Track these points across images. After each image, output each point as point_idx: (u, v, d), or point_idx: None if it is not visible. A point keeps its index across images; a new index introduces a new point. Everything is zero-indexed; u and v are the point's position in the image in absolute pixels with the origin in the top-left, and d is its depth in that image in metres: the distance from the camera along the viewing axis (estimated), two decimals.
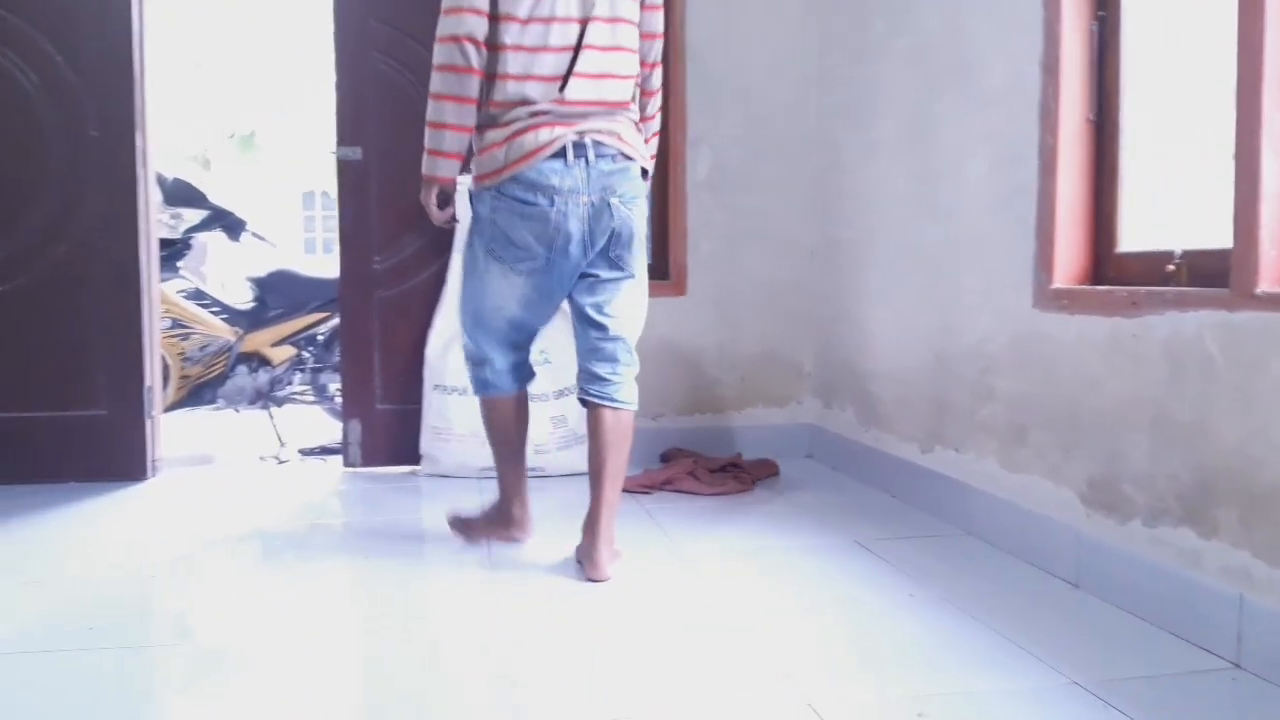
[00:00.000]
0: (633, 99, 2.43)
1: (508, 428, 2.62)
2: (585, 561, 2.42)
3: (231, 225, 5.07)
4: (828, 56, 3.74)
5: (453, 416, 3.45)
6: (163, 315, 3.92)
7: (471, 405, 2.92)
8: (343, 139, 3.59)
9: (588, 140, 2.31)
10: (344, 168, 3.59)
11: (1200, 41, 2.25)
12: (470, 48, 2.26)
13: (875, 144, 3.33)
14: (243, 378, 4.76)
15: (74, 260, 3.41)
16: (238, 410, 4.79)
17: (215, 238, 5.31)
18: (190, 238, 5.01)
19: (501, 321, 2.48)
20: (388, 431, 3.66)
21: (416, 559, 2.66)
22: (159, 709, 1.84)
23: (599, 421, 2.41)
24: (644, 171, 2.44)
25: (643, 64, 2.49)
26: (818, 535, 2.78)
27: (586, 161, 2.31)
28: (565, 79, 2.30)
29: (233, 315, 4.91)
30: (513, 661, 1.93)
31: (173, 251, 4.77)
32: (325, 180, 17.87)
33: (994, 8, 2.62)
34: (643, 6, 2.44)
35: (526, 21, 2.28)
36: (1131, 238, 2.35)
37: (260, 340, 4.82)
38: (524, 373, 2.62)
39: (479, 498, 3.10)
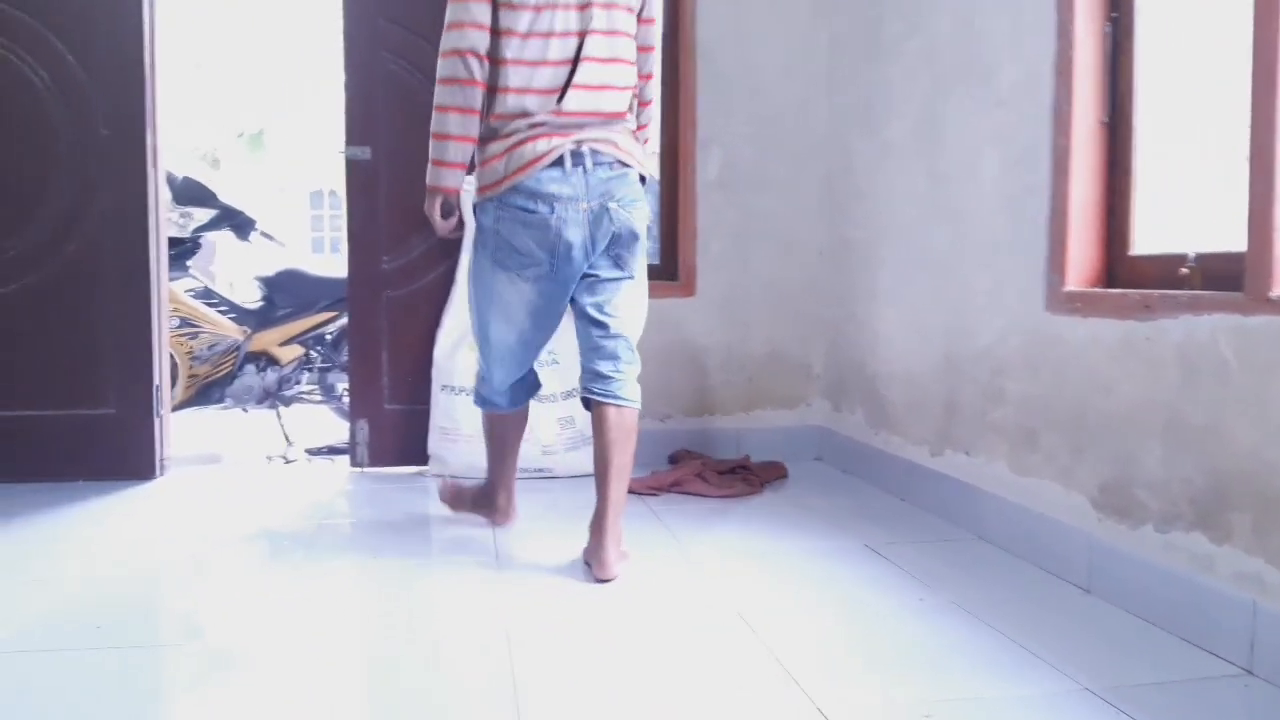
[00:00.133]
0: (630, 110, 2.49)
1: (504, 437, 2.76)
2: (593, 561, 2.43)
3: (240, 224, 5.07)
4: (838, 56, 3.72)
5: (460, 417, 3.45)
6: (171, 314, 3.92)
7: None
8: (351, 139, 3.59)
9: (585, 149, 2.37)
10: (353, 168, 3.59)
11: (1214, 43, 2.23)
12: (473, 61, 2.33)
13: (886, 144, 3.32)
14: (250, 377, 4.76)
15: (84, 259, 3.41)
16: (245, 409, 4.79)
17: (224, 237, 5.31)
18: (199, 237, 5.01)
19: (511, 335, 2.52)
20: (395, 432, 3.66)
21: (424, 559, 2.65)
22: (166, 709, 1.84)
23: (603, 420, 2.44)
24: (642, 178, 2.49)
25: (639, 75, 2.54)
26: (827, 538, 2.77)
27: (584, 169, 2.37)
28: (563, 91, 2.36)
29: (241, 314, 4.91)
30: (518, 662, 1.92)
31: (182, 250, 4.77)
32: (333, 179, 17.91)
33: (1007, 9, 2.61)
34: (639, 20, 2.50)
35: (526, 36, 2.35)
36: (1145, 240, 2.33)
37: (268, 339, 4.82)
38: (524, 389, 2.69)
39: None
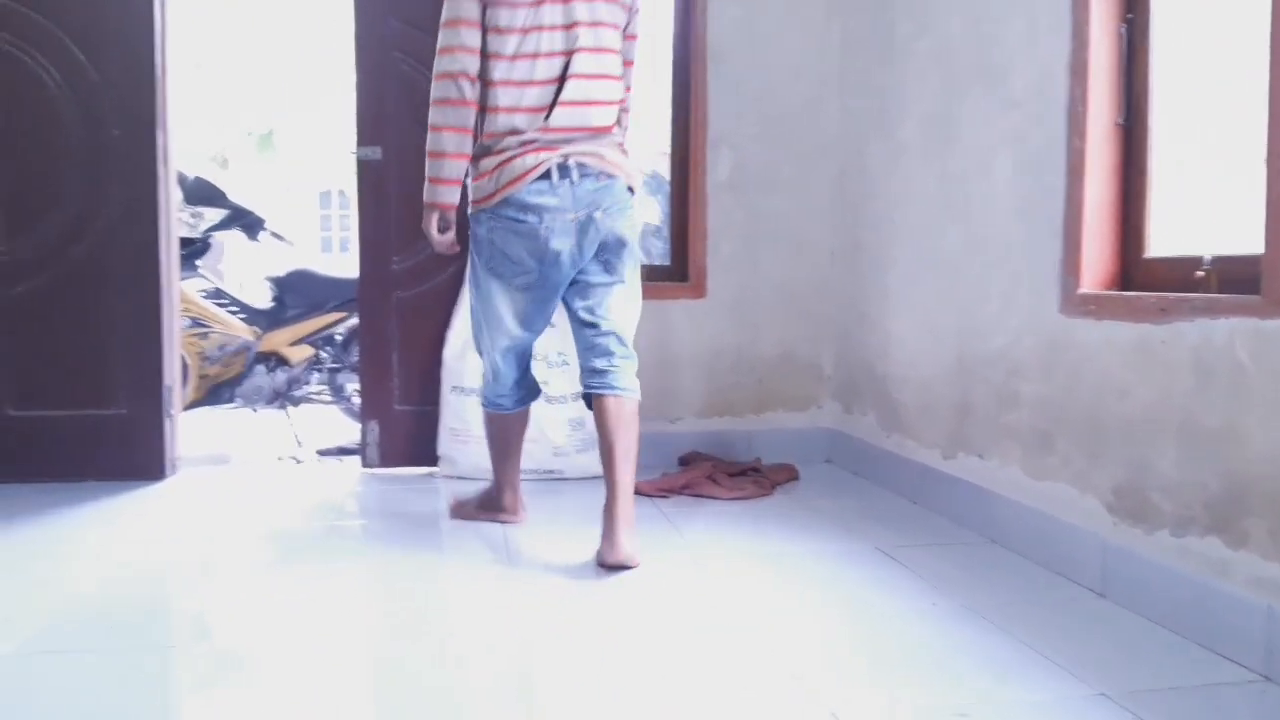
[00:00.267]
0: (618, 123, 2.61)
1: (506, 438, 2.83)
2: (606, 546, 2.46)
3: (250, 224, 5.08)
4: (850, 57, 3.71)
5: (471, 418, 3.44)
6: (182, 314, 3.92)
7: None
8: (362, 139, 3.59)
9: (571, 162, 2.48)
10: (363, 168, 3.59)
11: (1230, 43, 2.22)
12: (465, 83, 2.48)
13: (898, 146, 3.31)
14: (261, 377, 4.77)
15: (95, 259, 3.42)
16: (255, 410, 4.80)
17: (233, 237, 5.32)
18: (209, 237, 5.02)
19: (504, 338, 2.65)
20: (405, 432, 3.65)
21: (434, 560, 2.65)
22: (177, 709, 1.84)
23: (603, 410, 2.54)
24: (630, 189, 2.59)
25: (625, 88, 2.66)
26: (838, 541, 2.76)
27: (571, 182, 2.48)
28: (550, 108, 2.49)
29: (251, 315, 4.92)
30: (529, 662, 1.92)
31: (192, 250, 4.78)
32: (342, 179, 17.94)
33: (1021, 9, 2.60)
34: (624, 36, 2.62)
35: (514, 58, 2.48)
36: (1160, 243, 2.32)
37: (278, 340, 4.83)
38: (527, 391, 2.80)
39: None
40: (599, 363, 2.57)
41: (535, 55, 2.48)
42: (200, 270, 5.00)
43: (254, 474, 3.70)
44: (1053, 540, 2.45)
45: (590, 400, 2.59)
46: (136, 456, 3.46)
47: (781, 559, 2.61)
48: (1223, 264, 2.08)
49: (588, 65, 2.50)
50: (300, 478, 3.66)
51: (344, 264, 5.95)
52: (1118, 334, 2.23)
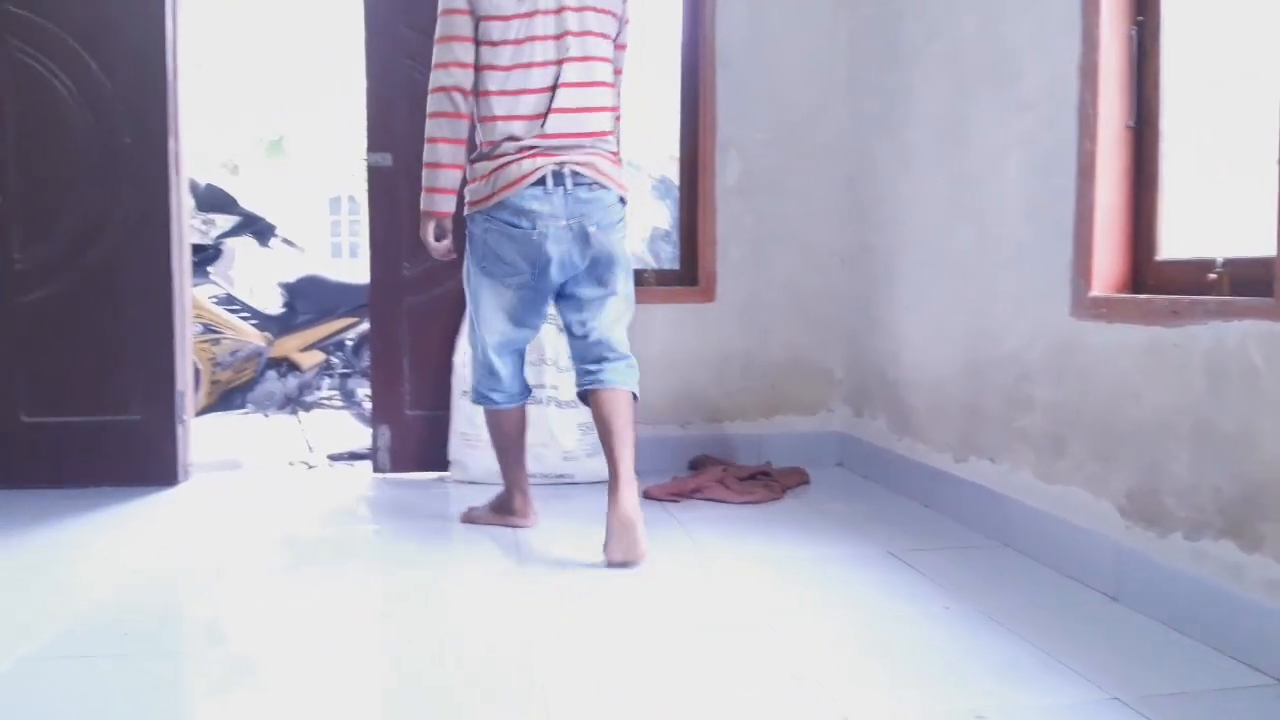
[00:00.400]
0: (613, 130, 2.71)
1: (509, 439, 2.88)
2: (616, 525, 2.51)
3: (261, 231, 5.10)
4: (859, 60, 3.71)
5: (481, 423, 3.42)
6: (194, 320, 3.94)
7: None
8: (373, 145, 3.60)
9: (566, 170, 2.58)
10: (374, 174, 3.61)
11: (1242, 45, 2.21)
12: (458, 96, 2.60)
13: (908, 148, 3.31)
14: (272, 383, 4.79)
15: (107, 266, 3.44)
16: (267, 415, 4.81)
17: (244, 243, 5.34)
18: (221, 243, 5.04)
19: (496, 332, 2.74)
20: (417, 437, 3.66)
21: (446, 564, 2.65)
22: (190, 714, 1.85)
23: (597, 402, 2.67)
24: (620, 199, 2.69)
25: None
26: (849, 545, 2.75)
27: (565, 189, 2.57)
28: (545, 116, 2.58)
29: (262, 320, 4.94)
30: (542, 664, 1.92)
31: (204, 257, 4.80)
32: (352, 185, 17.97)
33: (1031, 12, 2.60)
34: (615, 46, 2.72)
35: (509, 69, 2.58)
36: (1171, 245, 2.31)
37: (289, 345, 4.85)
38: (521, 388, 2.87)
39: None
40: (590, 366, 2.70)
41: (529, 65, 2.58)
42: (212, 276, 5.02)
43: (266, 479, 3.71)
44: (1065, 544, 2.44)
45: (586, 398, 2.72)
46: (149, 462, 3.48)
47: (792, 562, 2.61)
48: (1235, 266, 2.07)
49: (579, 74, 2.60)
50: (312, 483, 3.67)
51: (354, 270, 5.96)
52: (1129, 337, 2.23)
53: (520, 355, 2.86)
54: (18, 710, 1.75)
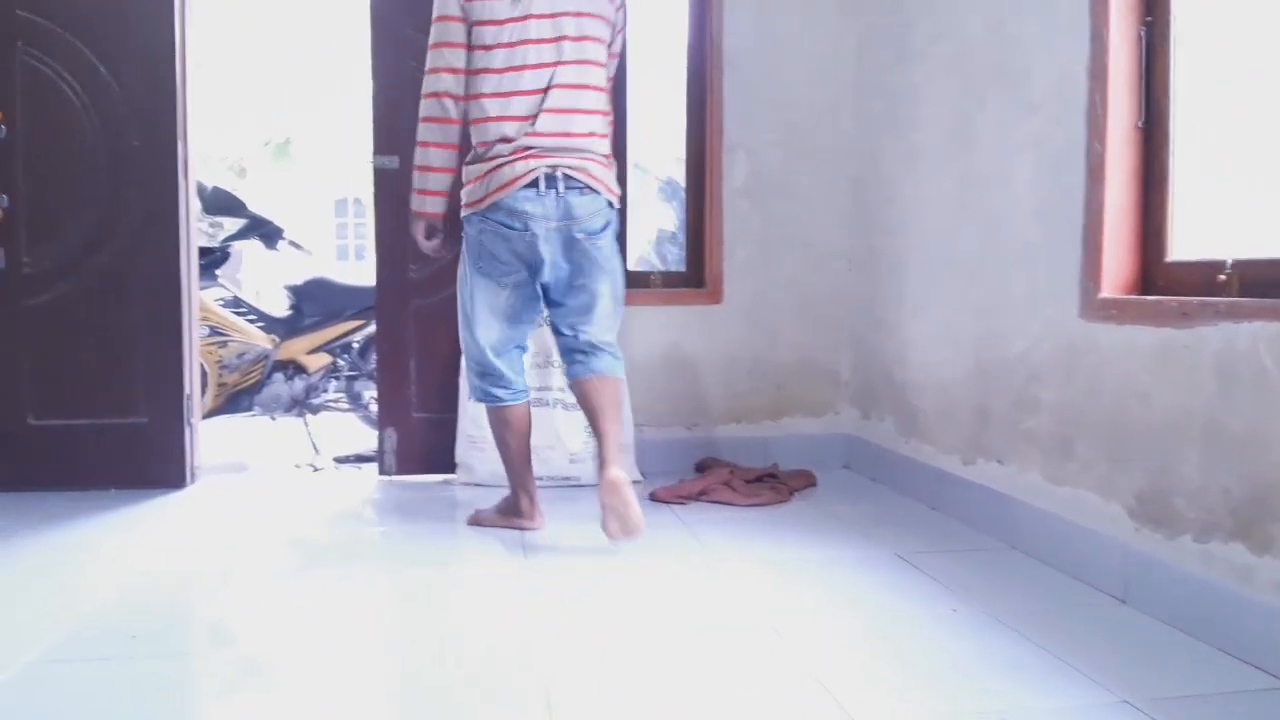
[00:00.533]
0: (604, 133, 2.75)
1: (513, 439, 2.88)
2: (606, 494, 2.57)
3: (269, 233, 5.10)
4: (866, 62, 3.71)
5: (487, 425, 3.44)
6: (201, 323, 3.95)
7: None
8: (379, 148, 3.60)
9: (559, 173, 2.64)
10: (380, 177, 3.61)
11: (1251, 45, 2.20)
12: (449, 102, 2.70)
13: (915, 150, 3.30)
14: (279, 385, 4.79)
15: (115, 269, 3.44)
16: (274, 418, 4.81)
17: (251, 246, 5.35)
18: (228, 246, 5.05)
19: (493, 330, 2.79)
20: (423, 440, 3.66)
21: (452, 566, 2.65)
22: (198, 716, 1.85)
23: (584, 390, 2.78)
24: (609, 204, 2.76)
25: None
26: (857, 547, 2.75)
27: (557, 192, 2.64)
28: (536, 117, 2.64)
29: (269, 323, 4.94)
30: (546, 665, 1.91)
31: (211, 260, 4.81)
32: (358, 187, 18.01)
33: (1039, 12, 2.59)
34: (609, 54, 2.80)
35: (502, 71, 2.65)
36: (1181, 247, 2.30)
37: (296, 348, 4.85)
38: (525, 383, 2.90)
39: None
40: (578, 358, 2.81)
41: (522, 68, 2.65)
42: (219, 279, 5.02)
43: (273, 482, 3.72)
44: (1074, 546, 2.43)
45: (574, 385, 2.84)
46: (157, 465, 3.49)
47: (799, 565, 2.60)
48: (1245, 268, 2.07)
49: (572, 76, 2.67)
50: (318, 485, 3.67)
51: (360, 272, 5.95)
52: (1139, 338, 2.22)
53: (522, 351, 2.89)
54: (28, 713, 1.75)
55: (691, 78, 3.82)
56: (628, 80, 3.78)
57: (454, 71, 2.68)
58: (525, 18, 2.64)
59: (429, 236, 2.85)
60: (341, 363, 4.95)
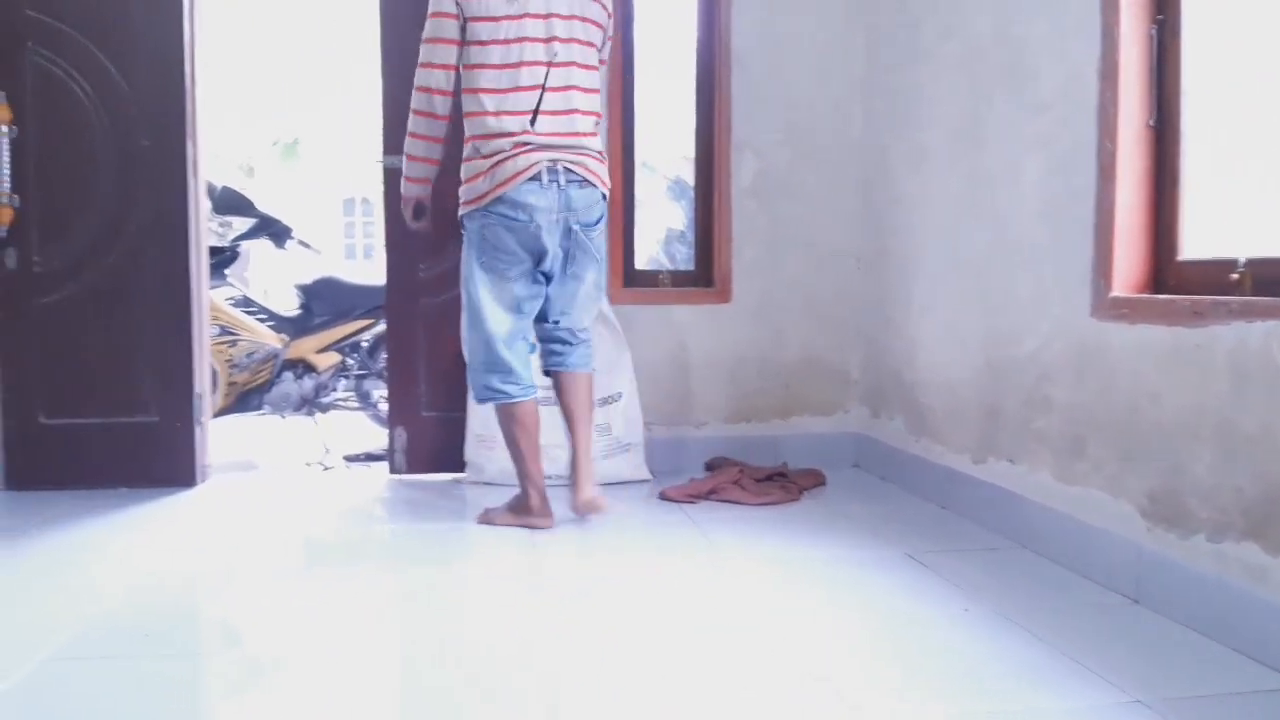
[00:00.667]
0: (595, 133, 2.88)
1: (527, 430, 2.92)
2: (575, 496, 2.88)
3: (278, 233, 5.10)
4: (874, 61, 3.70)
5: (497, 424, 3.45)
6: (211, 322, 3.95)
7: None
8: (389, 148, 3.60)
9: (560, 167, 2.76)
10: (390, 176, 3.60)
11: (1263, 43, 2.19)
12: (437, 98, 2.81)
13: (924, 149, 3.30)
14: (288, 384, 4.79)
15: (125, 268, 3.45)
16: (283, 417, 4.82)
17: (260, 245, 5.35)
18: (237, 245, 5.05)
19: (503, 323, 2.85)
20: (433, 439, 3.67)
21: (460, 566, 2.66)
22: (206, 715, 1.85)
23: (560, 384, 2.98)
24: (603, 196, 2.90)
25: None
26: (867, 547, 2.74)
27: (558, 185, 2.76)
28: (535, 114, 2.75)
29: (278, 322, 4.94)
30: (553, 665, 1.92)
31: (221, 259, 4.81)
32: (365, 187, 18.03)
33: (1049, 11, 2.58)
34: (600, 61, 2.93)
35: (500, 67, 2.74)
36: (1193, 245, 2.29)
37: (306, 347, 4.85)
38: (532, 377, 2.95)
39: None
40: (555, 347, 2.98)
41: (519, 64, 2.75)
42: (229, 279, 5.02)
43: (283, 480, 3.73)
44: (1085, 546, 2.43)
45: (547, 373, 3.02)
46: (168, 464, 3.50)
47: (810, 565, 2.60)
48: (1257, 266, 2.06)
49: (564, 79, 2.78)
50: (328, 484, 3.68)
51: (368, 271, 5.95)
52: (1151, 338, 2.21)
53: (528, 344, 2.96)
54: (38, 712, 1.75)
55: (700, 77, 3.82)
56: (635, 79, 3.79)
57: (445, 68, 2.78)
58: (522, 16, 2.74)
59: (417, 217, 3.03)
60: (351, 361, 4.95)
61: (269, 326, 4.90)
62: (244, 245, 5.17)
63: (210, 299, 3.91)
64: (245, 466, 3.95)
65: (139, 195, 3.45)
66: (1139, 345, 2.25)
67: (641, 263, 3.97)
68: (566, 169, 2.77)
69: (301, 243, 5.32)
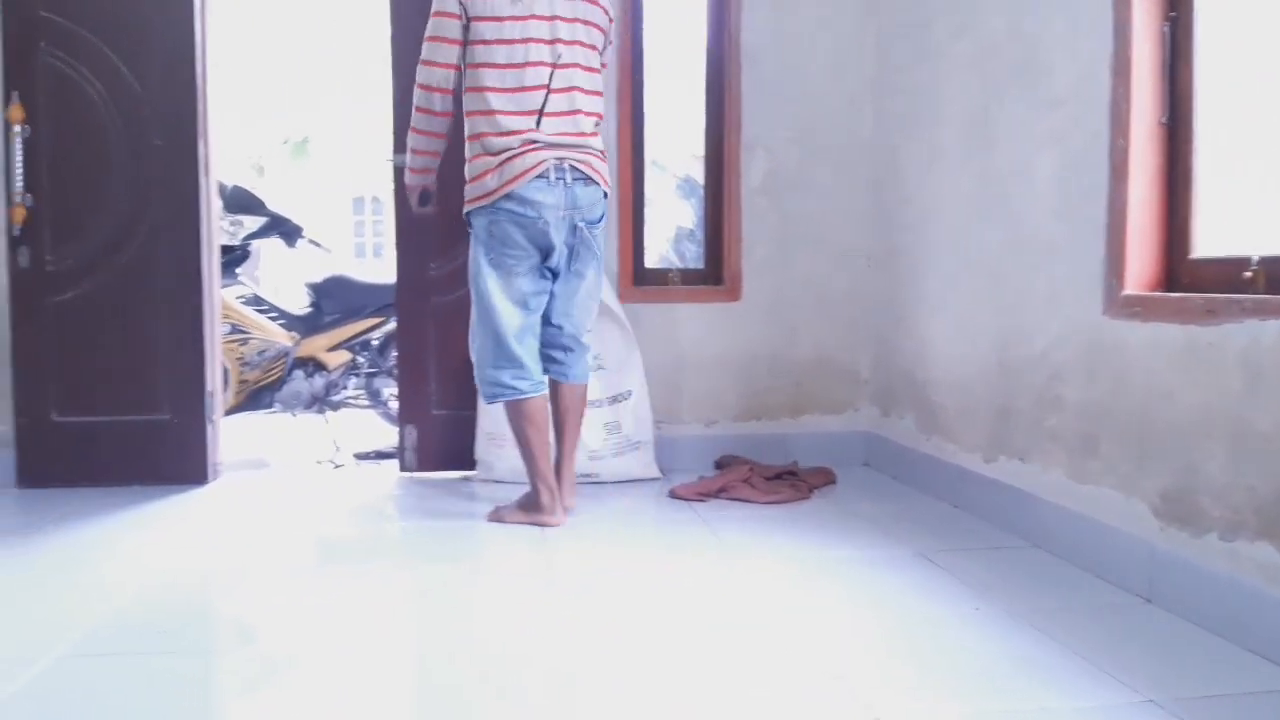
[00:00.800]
0: (596, 133, 2.91)
1: (538, 427, 2.93)
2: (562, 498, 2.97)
3: (288, 232, 5.11)
4: (886, 59, 3.69)
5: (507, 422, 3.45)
6: (222, 321, 3.96)
7: None
8: (399, 146, 3.59)
9: (566, 165, 2.81)
10: (400, 174, 3.60)
11: (1276, 40, 2.18)
12: (437, 96, 2.84)
13: (935, 147, 3.29)
14: (299, 382, 4.80)
15: (137, 267, 3.47)
16: (294, 415, 4.83)
17: (270, 243, 5.36)
18: (248, 244, 5.06)
19: (515, 318, 2.88)
20: (443, 437, 3.67)
21: (470, 563, 2.66)
22: (219, 712, 1.86)
23: (558, 393, 3.01)
24: (605, 194, 2.95)
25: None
26: (878, 546, 2.74)
27: (565, 183, 2.81)
28: (540, 113, 2.80)
29: (289, 320, 4.96)
30: (567, 663, 1.92)
31: (232, 258, 4.82)
32: (375, 185, 18.07)
33: (1061, 9, 2.57)
34: (602, 64, 2.98)
35: (505, 66, 2.79)
36: (1206, 243, 2.28)
37: (316, 345, 4.86)
38: (540, 372, 2.97)
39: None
40: (557, 354, 3.01)
41: (524, 64, 2.79)
42: (240, 277, 5.04)
43: (293, 478, 3.74)
44: (1098, 545, 2.42)
45: (548, 382, 3.02)
46: (179, 461, 3.51)
47: (821, 564, 2.59)
48: (1271, 264, 2.05)
49: (567, 80, 2.82)
50: (339, 482, 3.68)
51: (378, 269, 5.96)
52: (1164, 336, 2.20)
53: (537, 339, 2.97)
54: (52, 709, 1.76)
55: (710, 74, 3.82)
56: (645, 77, 3.78)
57: (446, 66, 2.82)
58: (527, 17, 2.79)
59: (422, 203, 3.10)
60: (361, 360, 4.96)
61: (280, 325, 4.92)
62: (255, 244, 5.18)
63: (221, 297, 3.93)
64: (256, 464, 3.97)
65: (151, 195, 3.46)
66: (1152, 343, 2.24)
67: (651, 261, 3.97)
68: (573, 167, 2.82)
69: (312, 241, 5.33)
